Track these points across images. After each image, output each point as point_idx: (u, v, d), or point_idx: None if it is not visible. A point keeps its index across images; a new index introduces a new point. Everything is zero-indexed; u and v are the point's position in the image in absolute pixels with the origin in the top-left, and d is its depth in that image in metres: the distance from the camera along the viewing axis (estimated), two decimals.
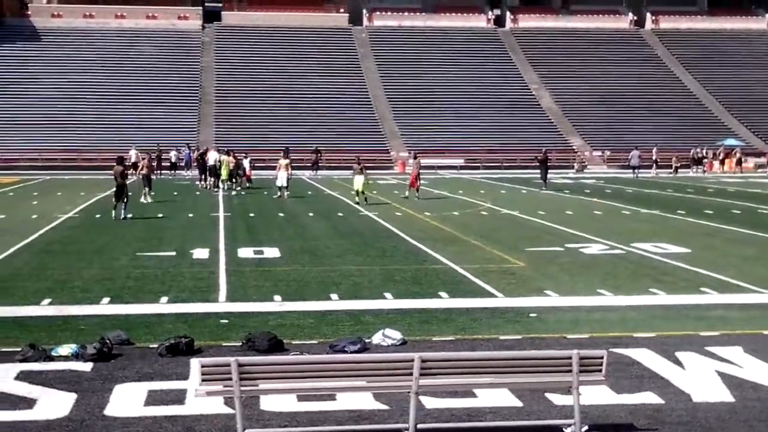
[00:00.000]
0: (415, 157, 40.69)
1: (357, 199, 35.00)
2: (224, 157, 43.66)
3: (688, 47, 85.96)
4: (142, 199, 35.27)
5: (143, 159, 39.62)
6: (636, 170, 58.94)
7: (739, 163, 65.63)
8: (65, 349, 11.61)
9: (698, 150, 66.07)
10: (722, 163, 67.32)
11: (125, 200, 28.99)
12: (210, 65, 78.56)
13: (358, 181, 35.03)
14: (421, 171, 39.59)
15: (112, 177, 29.82)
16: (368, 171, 37.32)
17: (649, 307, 15.13)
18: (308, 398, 9.56)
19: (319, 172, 59.22)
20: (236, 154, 45.49)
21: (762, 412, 9.56)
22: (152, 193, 35.97)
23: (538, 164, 47.91)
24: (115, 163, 30.11)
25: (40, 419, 9.25)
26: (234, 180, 43.64)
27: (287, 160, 39.38)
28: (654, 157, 62.82)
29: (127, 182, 29.75)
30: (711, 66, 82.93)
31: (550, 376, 8.83)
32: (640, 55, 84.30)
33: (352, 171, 36.38)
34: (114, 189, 29.44)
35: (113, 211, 29.08)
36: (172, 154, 58.73)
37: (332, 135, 68.26)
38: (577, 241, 23.57)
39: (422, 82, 77.10)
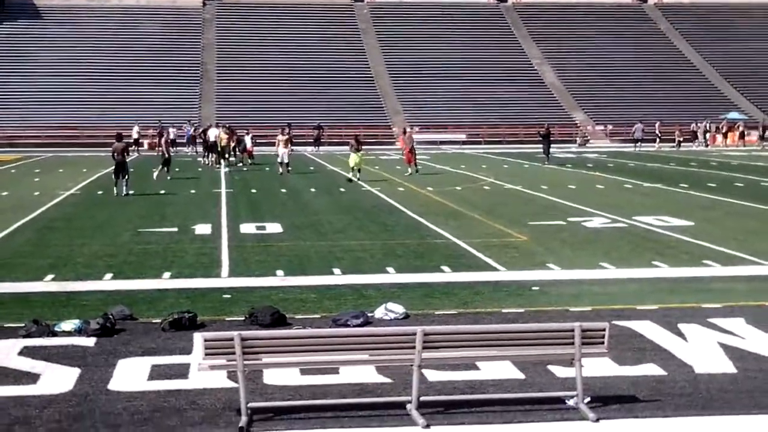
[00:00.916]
0: (404, 132, 40.71)
1: (350, 175, 34.23)
2: (221, 133, 43.36)
3: (691, 21, 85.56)
4: (156, 175, 34.69)
5: (162, 136, 39.10)
6: (638, 143, 59.13)
7: (741, 136, 65.48)
8: (68, 325, 11.62)
9: (699, 124, 65.91)
10: (725, 136, 67.20)
11: (126, 177, 29.07)
12: (211, 42, 78.35)
13: (354, 158, 34.44)
14: (418, 145, 39.31)
15: (111, 154, 29.83)
16: (368, 147, 36.99)
17: (651, 279, 15.13)
18: (311, 372, 9.57)
19: (321, 148, 59.14)
20: (237, 131, 45.31)
21: (764, 382, 9.56)
22: (157, 170, 35.37)
23: (540, 139, 47.82)
24: (114, 141, 30.01)
25: (44, 394, 9.27)
26: (229, 156, 43.27)
27: (286, 136, 39.21)
28: (657, 132, 62.72)
29: (128, 159, 29.77)
30: (714, 40, 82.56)
31: (553, 348, 8.83)
32: (643, 30, 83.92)
33: (349, 147, 35.71)
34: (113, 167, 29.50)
35: (114, 188, 29.16)
36: (171, 131, 58.41)
37: (334, 111, 68.17)
38: (579, 215, 23.56)
39: (424, 57, 76.81)
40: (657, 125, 63.18)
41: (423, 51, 77.71)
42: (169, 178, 34.73)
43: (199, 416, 8.59)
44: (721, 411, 8.74)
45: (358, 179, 33.96)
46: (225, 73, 73.92)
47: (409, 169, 37.69)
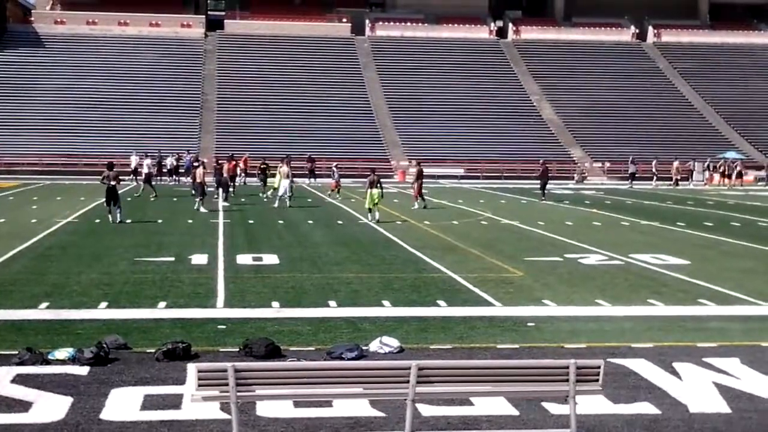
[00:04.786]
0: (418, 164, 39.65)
1: (370, 216, 31.18)
2: (225, 165, 42.46)
3: (689, 60, 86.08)
4: (202, 209, 34.26)
5: (199, 167, 36.51)
6: (632, 179, 59.62)
7: (739, 176, 65.63)
8: (62, 353, 11.60)
9: (691, 163, 66.28)
10: (722, 175, 67.36)
11: (119, 204, 29.49)
12: (212, 73, 78.68)
13: (372, 195, 31.01)
14: (409, 177, 38.63)
15: (100, 181, 30.22)
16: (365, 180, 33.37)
17: (647, 317, 15.11)
18: (305, 404, 9.54)
19: (318, 180, 59.09)
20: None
21: (758, 423, 9.54)
22: (200, 205, 34.67)
23: (538, 175, 47.93)
24: (106, 169, 30.05)
25: (35, 422, 9.24)
26: (232, 188, 41.48)
27: (287, 168, 38.86)
28: (653, 170, 62.96)
29: (120, 189, 30.05)
30: (712, 79, 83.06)
31: (547, 385, 8.81)
32: (641, 68, 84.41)
33: (368, 182, 31.67)
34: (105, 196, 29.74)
35: (109, 216, 29.29)
36: (168, 161, 58.39)
37: (333, 143, 68.33)
38: (576, 252, 23.56)
39: (424, 92, 77.19)
40: (654, 163, 63.40)
41: (422, 85, 78.12)
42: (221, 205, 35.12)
43: None
44: None
45: (378, 220, 30.86)
46: (225, 103, 74.18)
47: (416, 204, 37.48)
